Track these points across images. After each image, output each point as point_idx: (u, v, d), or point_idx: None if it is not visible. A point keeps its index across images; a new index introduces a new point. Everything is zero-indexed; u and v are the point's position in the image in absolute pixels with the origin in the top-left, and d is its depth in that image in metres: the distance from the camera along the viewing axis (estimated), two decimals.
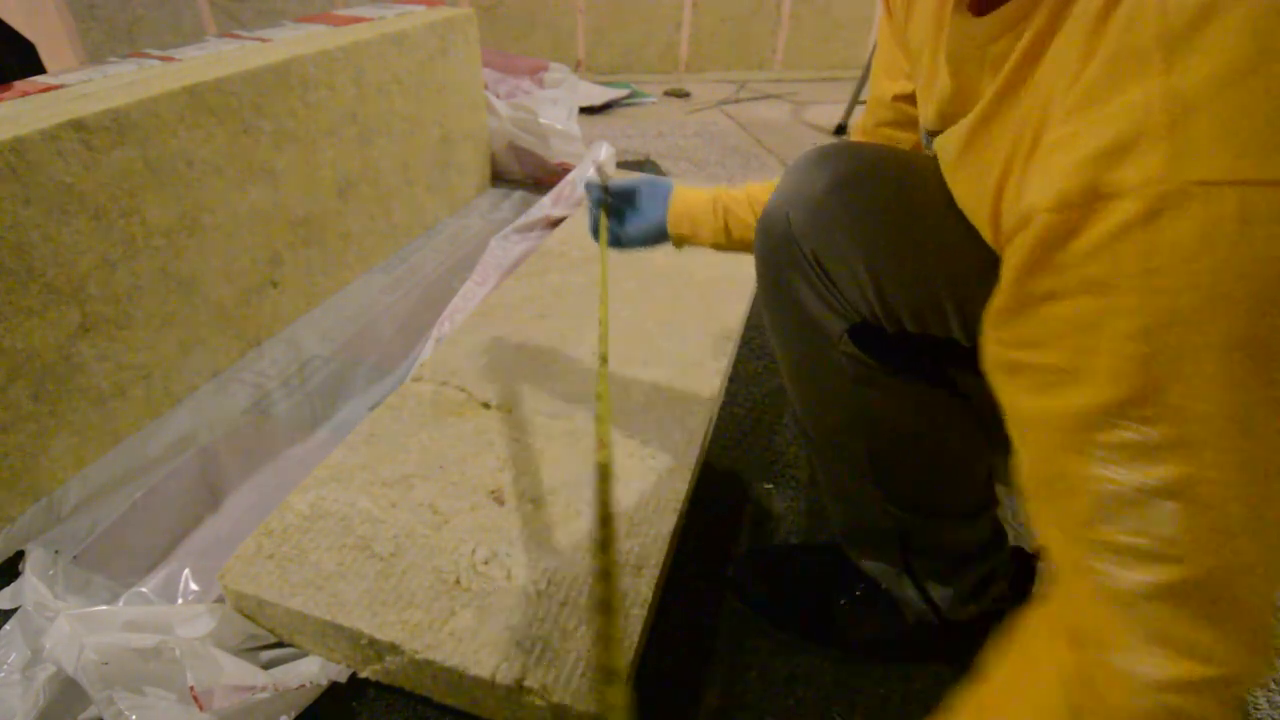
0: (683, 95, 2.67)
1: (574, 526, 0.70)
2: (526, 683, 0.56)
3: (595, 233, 0.81)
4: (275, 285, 1.11)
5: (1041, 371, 0.31)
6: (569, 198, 1.48)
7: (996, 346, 0.35)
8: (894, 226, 0.46)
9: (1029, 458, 0.34)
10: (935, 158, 0.47)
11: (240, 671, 0.59)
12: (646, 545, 0.68)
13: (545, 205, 1.49)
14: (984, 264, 0.41)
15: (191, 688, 0.56)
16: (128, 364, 0.88)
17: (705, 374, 0.93)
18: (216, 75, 0.94)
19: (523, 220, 1.44)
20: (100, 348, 0.84)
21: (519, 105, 1.80)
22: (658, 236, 0.77)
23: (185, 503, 0.81)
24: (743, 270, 1.18)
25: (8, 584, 0.71)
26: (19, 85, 0.92)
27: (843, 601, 0.65)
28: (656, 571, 0.65)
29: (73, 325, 0.80)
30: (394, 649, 0.59)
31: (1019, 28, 0.36)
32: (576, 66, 2.86)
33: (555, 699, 0.55)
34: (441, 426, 0.83)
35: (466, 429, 0.82)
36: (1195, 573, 0.28)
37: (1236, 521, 0.27)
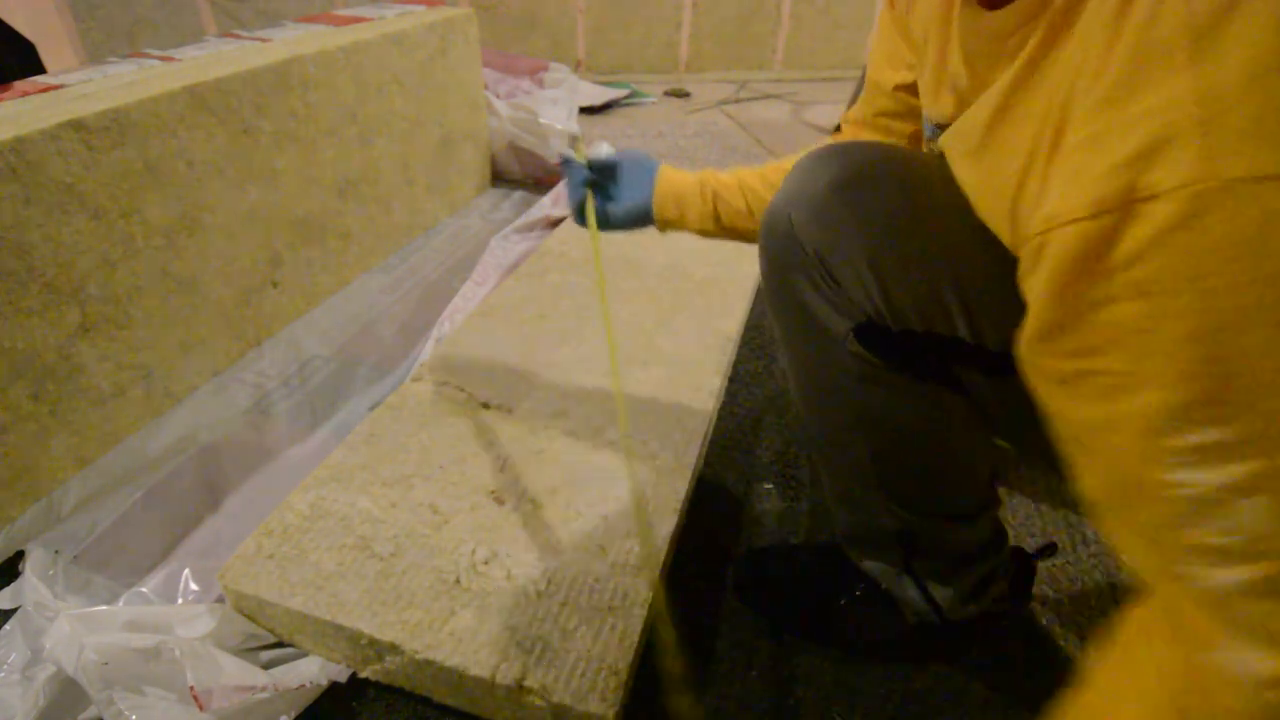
0: (683, 95, 2.67)
1: (574, 526, 0.70)
2: (526, 683, 0.56)
3: (579, 215, 0.75)
4: (275, 285, 1.11)
5: (1103, 377, 0.31)
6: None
7: (1049, 360, 0.34)
8: (898, 224, 0.46)
9: (1099, 468, 0.34)
10: (939, 154, 0.47)
11: (240, 671, 0.59)
12: (647, 545, 0.68)
13: (545, 205, 1.49)
14: (990, 261, 0.41)
15: (191, 688, 0.56)
16: (128, 364, 0.88)
17: (705, 374, 0.93)
18: (216, 75, 0.94)
19: (523, 220, 1.44)
20: (100, 348, 0.84)
21: (519, 105, 1.80)
22: (642, 219, 0.74)
23: (185, 503, 0.81)
24: (743, 270, 1.19)
25: (8, 584, 0.71)
26: (19, 85, 0.92)
27: (843, 601, 0.65)
28: (656, 572, 0.65)
29: (73, 325, 0.80)
30: (394, 649, 0.59)
31: (1035, 21, 0.35)
32: (576, 66, 2.86)
33: (555, 699, 0.55)
34: (441, 426, 0.83)
35: (466, 429, 0.82)
36: None
37: None
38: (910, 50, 0.59)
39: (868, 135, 0.68)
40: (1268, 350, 0.26)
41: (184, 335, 0.96)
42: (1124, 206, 0.28)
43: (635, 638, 0.59)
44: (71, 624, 0.59)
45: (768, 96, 2.67)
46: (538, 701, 0.55)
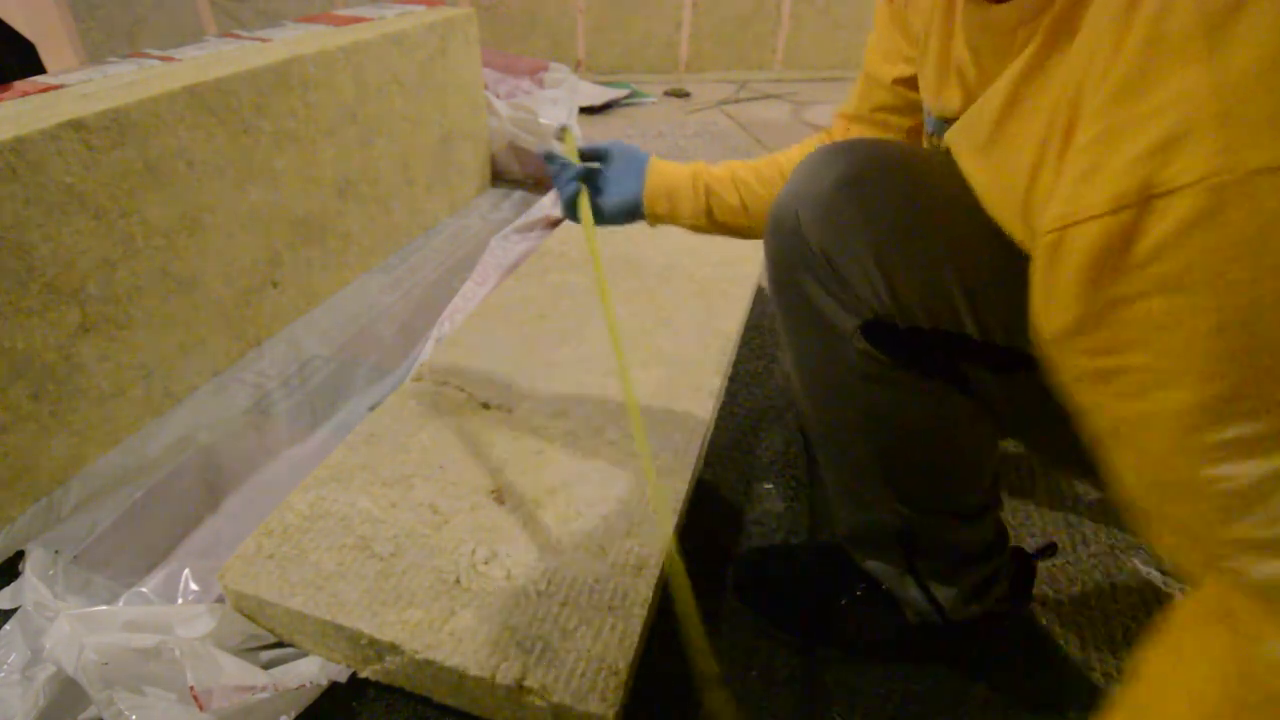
0: (683, 95, 2.67)
1: (574, 526, 0.70)
2: (526, 683, 0.56)
3: (571, 211, 0.72)
4: (275, 285, 1.11)
5: (1131, 375, 0.31)
6: None
7: (1074, 358, 0.34)
8: (904, 221, 0.46)
9: (1134, 464, 0.33)
10: (945, 150, 0.47)
11: (240, 671, 0.59)
12: (647, 545, 0.68)
13: (545, 205, 1.49)
14: (997, 257, 0.41)
15: (191, 688, 0.56)
16: (128, 364, 0.88)
17: (705, 374, 0.93)
18: (216, 75, 0.94)
19: (523, 220, 1.44)
20: (100, 348, 0.84)
21: (519, 105, 1.81)
22: (632, 213, 0.72)
23: (185, 503, 0.81)
24: (743, 270, 1.18)
25: (8, 584, 0.71)
26: (19, 85, 0.92)
27: (843, 601, 0.65)
28: (656, 572, 0.65)
29: (73, 325, 0.80)
30: (394, 649, 0.59)
31: (1041, 15, 0.35)
32: (576, 66, 2.86)
33: (555, 699, 0.55)
34: (441, 426, 0.83)
35: (466, 429, 0.82)
36: None
37: None
38: (909, 44, 0.59)
39: (864, 130, 0.68)
40: None
41: (184, 335, 0.96)
42: (1143, 202, 0.28)
43: (635, 638, 0.59)
44: (71, 624, 0.59)
45: (768, 96, 2.67)
46: (538, 701, 0.55)
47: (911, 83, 0.60)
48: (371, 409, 0.88)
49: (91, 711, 0.58)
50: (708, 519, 0.79)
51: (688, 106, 2.54)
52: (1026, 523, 0.80)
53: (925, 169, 0.48)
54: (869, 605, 0.64)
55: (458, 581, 0.64)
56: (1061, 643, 0.67)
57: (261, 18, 2.33)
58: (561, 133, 0.77)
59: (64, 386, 0.80)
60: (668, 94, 2.68)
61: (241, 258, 1.03)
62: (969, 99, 0.47)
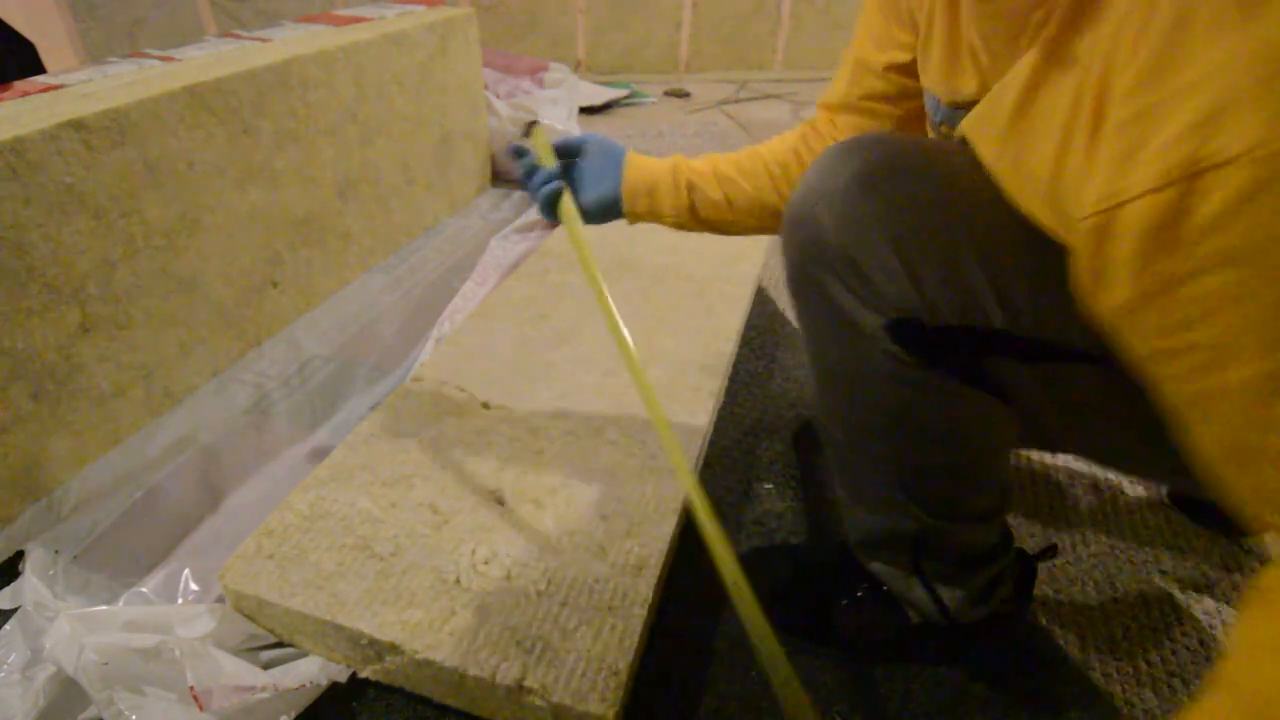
0: (683, 95, 2.67)
1: (574, 526, 0.70)
2: (526, 683, 0.56)
3: (548, 210, 0.68)
4: (275, 285, 1.11)
5: (1198, 351, 0.31)
6: None
7: (1140, 338, 0.34)
8: (927, 215, 0.45)
9: (1211, 434, 0.33)
10: (959, 140, 0.46)
11: (240, 671, 0.59)
12: (647, 545, 0.68)
13: None
14: (1022, 245, 0.41)
15: (191, 688, 0.56)
16: (128, 364, 0.88)
17: (705, 374, 0.93)
18: (216, 75, 0.94)
19: (523, 220, 1.44)
20: (100, 348, 0.84)
21: (519, 105, 1.81)
22: (609, 211, 0.69)
23: (185, 503, 0.81)
24: (742, 270, 1.18)
25: (8, 584, 0.71)
26: (19, 85, 0.92)
27: (844, 602, 0.65)
28: (657, 572, 0.65)
29: (73, 325, 0.80)
30: (394, 649, 0.59)
31: None
32: (576, 66, 2.86)
33: (555, 699, 0.55)
34: (441, 426, 0.83)
35: (466, 429, 0.82)
36: None
37: None
38: (903, 30, 0.57)
39: (851, 119, 0.66)
40: None
41: (184, 335, 0.96)
42: (1191, 177, 0.28)
43: (635, 638, 0.59)
44: (71, 624, 0.59)
45: (768, 96, 2.67)
46: (538, 701, 0.55)
47: (905, 69, 0.59)
48: (371, 409, 0.88)
49: (91, 711, 0.58)
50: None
51: (688, 106, 2.54)
52: (1026, 524, 0.80)
53: (943, 161, 0.47)
54: (870, 605, 0.64)
55: (458, 581, 0.64)
56: (1061, 643, 0.67)
57: (261, 18, 2.33)
58: (530, 128, 0.71)
59: (64, 386, 0.80)
60: (668, 94, 2.68)
61: (241, 258, 1.03)
62: (984, 84, 0.47)
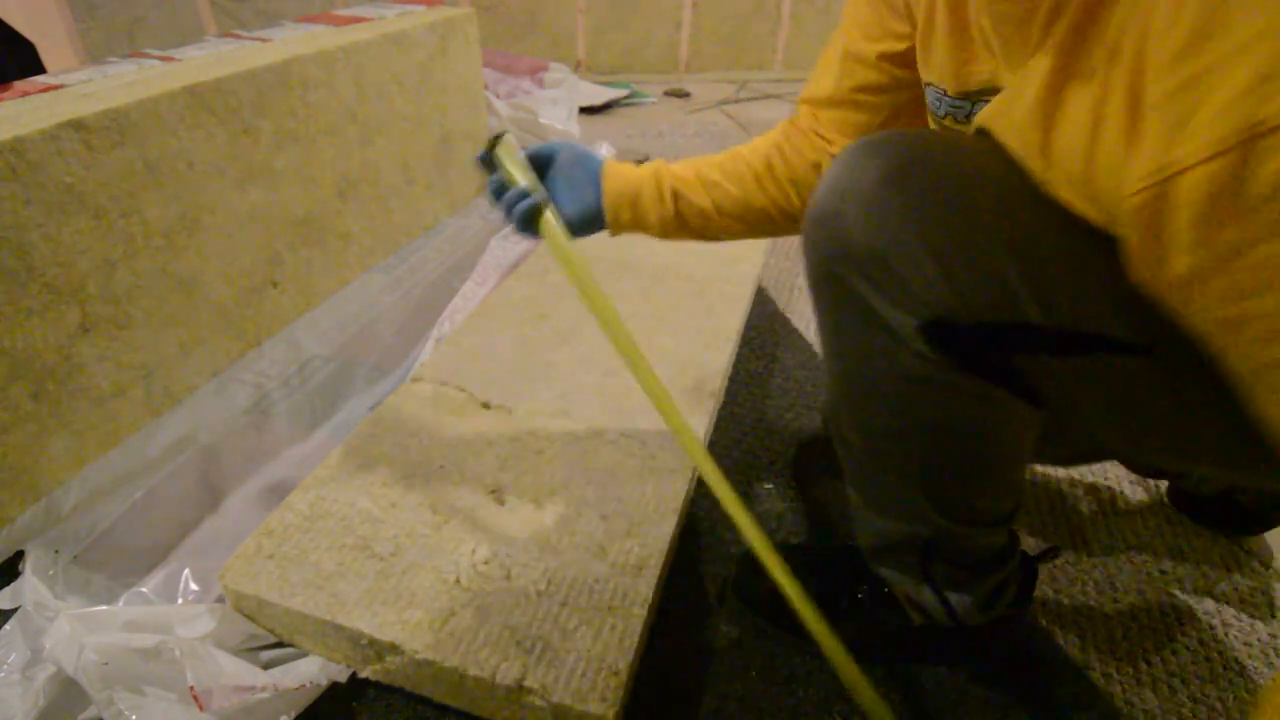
0: (683, 95, 2.67)
1: (574, 526, 0.70)
2: (526, 683, 0.56)
3: (524, 226, 0.62)
4: (275, 285, 1.11)
5: (1263, 319, 0.31)
6: None
7: (1203, 309, 0.34)
8: (957, 210, 0.44)
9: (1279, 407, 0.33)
10: (976, 131, 0.46)
11: (240, 671, 0.59)
12: (647, 545, 0.68)
13: None
14: (1055, 233, 0.40)
15: (191, 688, 0.56)
16: (128, 364, 0.88)
17: (705, 373, 0.93)
18: (216, 75, 0.94)
19: None
20: (100, 348, 0.84)
21: (519, 105, 1.81)
22: (590, 224, 0.66)
23: (185, 503, 0.81)
24: (742, 270, 1.18)
25: (8, 584, 0.71)
26: (19, 85, 0.92)
27: (844, 602, 0.65)
28: (657, 572, 0.65)
29: (73, 325, 0.80)
30: (394, 649, 0.59)
31: None
32: (576, 66, 2.86)
33: (555, 699, 0.55)
34: (441, 426, 0.83)
35: (466, 429, 0.82)
36: None
37: None
38: (897, 20, 0.57)
39: (837, 114, 0.64)
40: None
41: (184, 335, 0.96)
42: (1247, 142, 0.27)
43: (635, 638, 0.59)
44: (71, 624, 0.59)
45: (768, 96, 2.67)
46: (538, 701, 0.55)
47: (898, 59, 0.58)
48: (371, 409, 0.88)
49: (91, 711, 0.58)
50: (708, 519, 0.79)
51: (688, 106, 2.54)
52: (1026, 525, 0.80)
53: (968, 153, 0.46)
54: (871, 607, 0.64)
55: (458, 581, 0.64)
56: (1061, 643, 0.67)
57: (261, 18, 2.33)
58: (495, 142, 0.63)
59: (64, 386, 0.80)
60: (668, 94, 2.68)
61: (241, 258, 1.03)
62: (996, 70, 0.46)
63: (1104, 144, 0.35)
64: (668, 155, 2.01)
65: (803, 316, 1.20)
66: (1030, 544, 0.77)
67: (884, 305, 0.46)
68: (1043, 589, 0.72)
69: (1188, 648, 0.67)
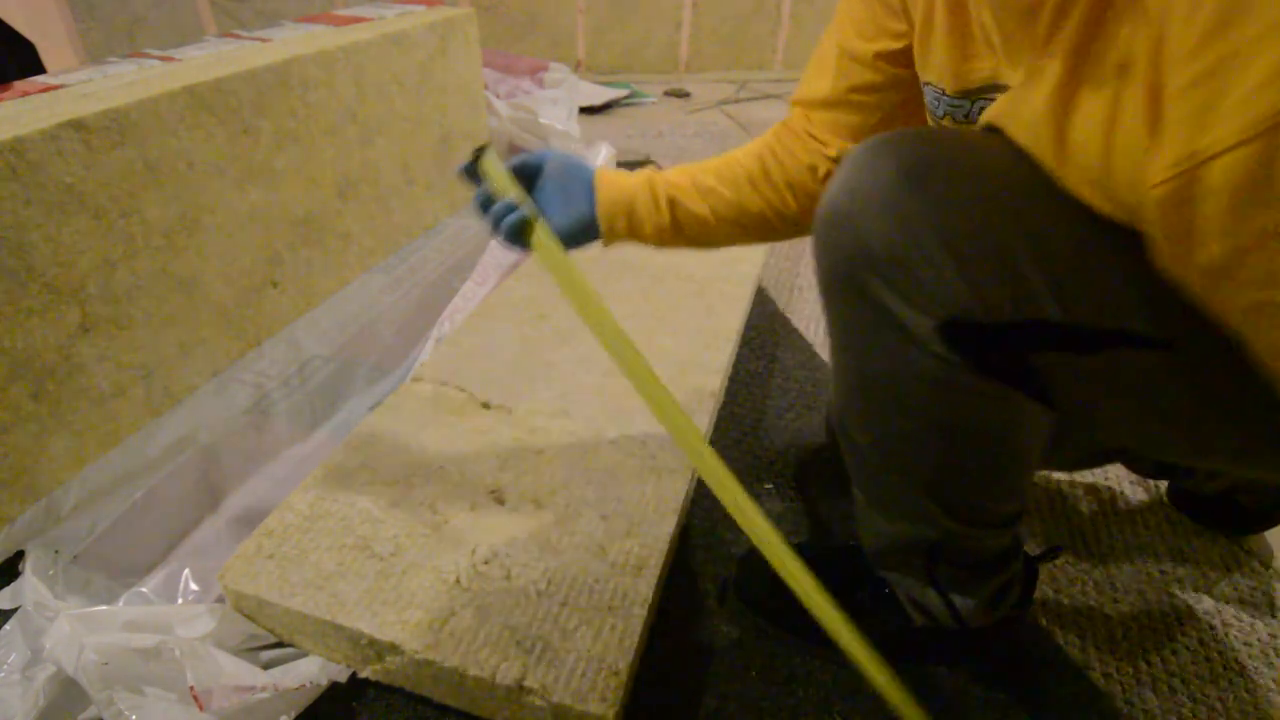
0: (683, 95, 2.67)
1: (574, 526, 0.70)
2: (526, 683, 0.56)
3: (516, 238, 0.59)
4: (275, 285, 1.11)
5: None
6: None
7: (1235, 295, 0.34)
8: (975, 208, 0.43)
9: None
10: (984, 128, 0.46)
11: (240, 671, 0.59)
12: (647, 545, 0.68)
13: None
14: (1072, 227, 0.40)
15: (191, 688, 0.56)
16: (128, 364, 0.88)
17: (705, 374, 0.93)
18: (216, 75, 0.94)
19: None
20: (100, 348, 0.84)
21: (519, 105, 1.81)
22: (582, 235, 0.64)
23: (185, 503, 0.81)
24: (742, 270, 1.18)
25: (8, 584, 0.71)
26: (19, 85, 0.92)
27: (844, 602, 0.65)
28: (657, 572, 0.65)
29: (73, 325, 0.80)
30: (394, 649, 0.59)
31: None
32: (576, 66, 2.86)
33: (555, 699, 0.55)
34: (441, 426, 0.83)
35: (466, 429, 0.82)
36: None
37: None
38: (893, 19, 0.56)
39: (831, 116, 0.63)
40: None
41: (184, 335, 0.96)
42: (1276, 128, 0.27)
43: (635, 638, 0.59)
44: (71, 624, 0.59)
45: (768, 96, 2.67)
46: (538, 701, 0.55)
47: (895, 58, 0.57)
48: (371, 409, 0.88)
49: (91, 711, 0.58)
50: (708, 519, 0.79)
51: (688, 106, 2.54)
52: (1027, 525, 0.80)
53: (980, 150, 0.45)
54: (871, 607, 0.64)
55: (458, 581, 0.64)
56: (1061, 643, 0.67)
57: (261, 18, 2.33)
58: (479, 154, 0.61)
59: (64, 386, 0.80)
60: (668, 94, 2.68)
61: (241, 258, 1.03)
62: (997, 66, 0.46)
63: (1121, 138, 0.35)
64: (668, 155, 2.01)
65: (803, 316, 1.20)
66: (1030, 544, 0.77)
67: (901, 306, 0.45)
68: (1043, 589, 0.72)
69: (1188, 648, 0.67)
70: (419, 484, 0.74)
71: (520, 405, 0.86)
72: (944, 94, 0.52)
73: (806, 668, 0.65)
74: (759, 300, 1.23)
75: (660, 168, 1.95)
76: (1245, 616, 0.70)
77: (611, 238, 0.65)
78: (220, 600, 0.66)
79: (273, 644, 0.65)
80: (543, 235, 0.59)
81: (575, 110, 1.96)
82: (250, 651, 0.64)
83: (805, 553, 0.74)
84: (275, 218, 1.08)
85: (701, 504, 0.80)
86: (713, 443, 0.90)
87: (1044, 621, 0.69)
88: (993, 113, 0.45)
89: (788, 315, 1.20)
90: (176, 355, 0.95)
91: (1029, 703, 0.62)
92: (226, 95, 0.96)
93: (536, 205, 0.61)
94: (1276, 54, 0.27)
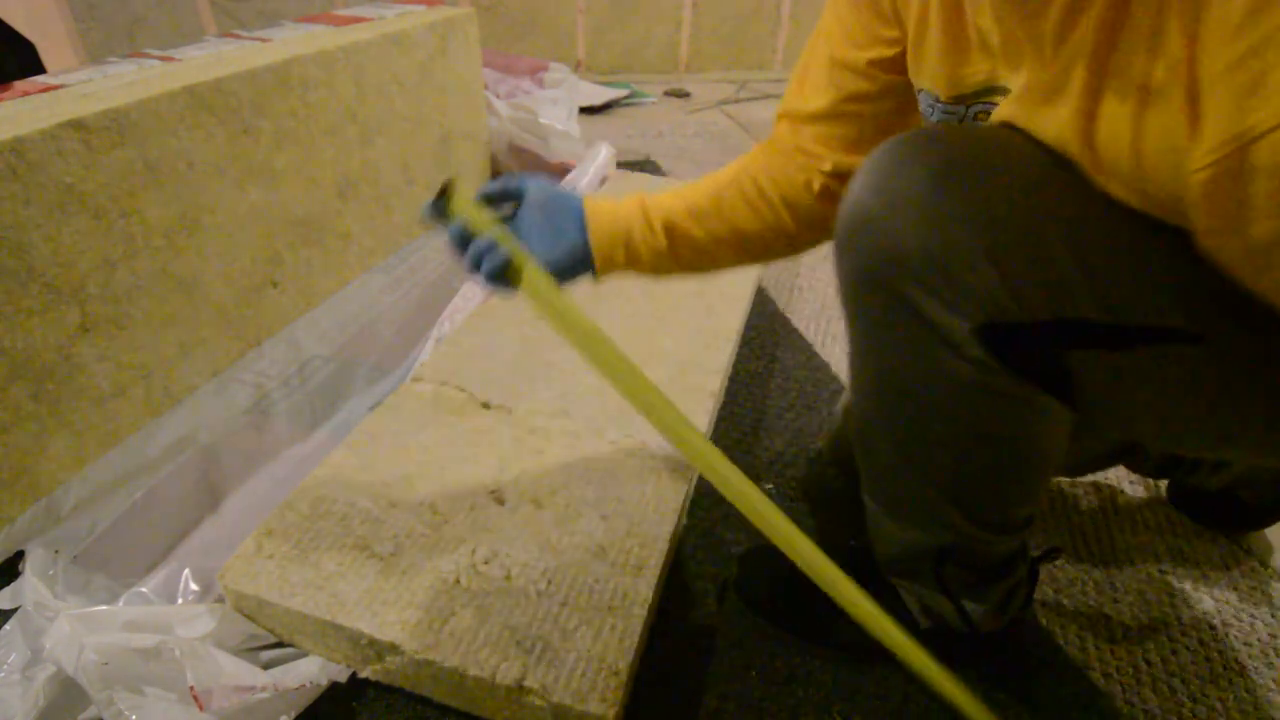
0: (683, 95, 2.67)
1: (574, 526, 0.70)
2: (526, 683, 0.56)
3: (500, 280, 0.54)
4: (275, 285, 1.11)
5: None
6: None
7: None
8: (1010, 206, 0.43)
9: None
10: (999, 125, 0.45)
11: (240, 671, 0.59)
12: (647, 545, 0.68)
13: None
14: (1105, 221, 0.40)
15: (191, 688, 0.56)
16: (128, 364, 0.88)
17: (705, 374, 0.93)
18: (216, 75, 0.94)
19: None
20: (100, 348, 0.84)
21: (519, 105, 1.81)
22: (573, 269, 0.60)
23: (185, 503, 0.81)
24: (742, 269, 1.18)
25: (8, 584, 0.71)
26: (19, 85, 0.92)
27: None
28: (657, 572, 0.65)
29: (73, 325, 0.80)
30: (394, 649, 0.59)
31: None
32: (576, 66, 2.86)
33: (555, 699, 0.55)
34: (441, 426, 0.83)
35: (466, 429, 0.82)
36: None
37: None
38: (885, 25, 0.55)
39: (820, 129, 0.61)
40: None
41: (184, 335, 0.96)
42: None
43: (635, 638, 0.59)
44: (71, 624, 0.59)
45: (768, 96, 2.67)
46: (538, 701, 0.55)
47: (887, 65, 0.56)
48: (371, 409, 0.88)
49: (91, 711, 0.58)
50: (708, 519, 0.79)
51: (688, 106, 2.54)
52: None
53: (1005, 147, 0.45)
54: None
55: (458, 581, 0.64)
56: (1062, 643, 0.67)
57: (261, 18, 2.33)
58: (445, 189, 0.54)
59: (64, 386, 0.80)
60: (668, 94, 2.68)
61: (241, 258, 1.03)
62: (994, 69, 0.46)
63: (1154, 131, 0.35)
64: (668, 155, 2.01)
65: (803, 316, 1.20)
66: (1030, 544, 0.77)
67: (937, 309, 0.44)
68: (1043, 589, 0.72)
69: (1188, 648, 0.67)
70: (419, 484, 0.74)
71: (520, 405, 0.86)
72: (938, 100, 0.52)
73: (806, 668, 0.65)
74: (759, 300, 1.23)
75: (660, 168, 1.94)
76: (1245, 616, 0.70)
77: (609, 268, 0.62)
78: (220, 600, 0.66)
79: (273, 644, 0.65)
80: (533, 275, 0.54)
81: (575, 110, 1.96)
82: (250, 651, 0.64)
83: None
84: (275, 218, 1.08)
85: (701, 504, 0.80)
86: (712, 443, 0.90)
87: (1044, 621, 0.69)
88: (1006, 115, 0.45)
89: (788, 315, 1.20)
90: (176, 355, 0.95)
91: (1029, 703, 0.62)
92: (226, 95, 0.96)
93: (519, 239, 0.56)
94: None
